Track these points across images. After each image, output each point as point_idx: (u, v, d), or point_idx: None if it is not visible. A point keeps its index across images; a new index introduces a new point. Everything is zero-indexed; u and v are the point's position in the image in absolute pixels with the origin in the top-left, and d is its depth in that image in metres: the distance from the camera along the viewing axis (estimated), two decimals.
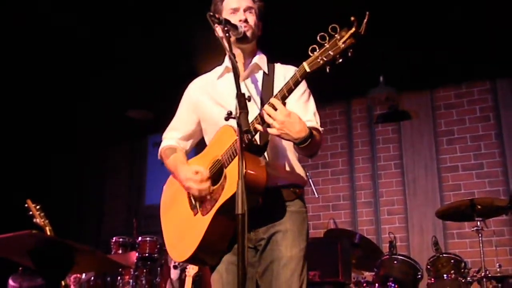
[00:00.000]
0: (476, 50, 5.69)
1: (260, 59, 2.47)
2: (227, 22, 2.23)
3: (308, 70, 1.96)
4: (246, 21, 2.36)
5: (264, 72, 2.44)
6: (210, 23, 2.15)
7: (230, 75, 2.38)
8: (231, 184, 2.14)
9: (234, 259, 2.30)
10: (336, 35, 1.88)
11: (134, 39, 5.61)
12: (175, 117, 2.67)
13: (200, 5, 2.48)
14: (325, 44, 1.90)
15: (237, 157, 2.12)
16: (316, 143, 2.23)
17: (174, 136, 2.64)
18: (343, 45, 1.87)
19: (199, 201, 2.34)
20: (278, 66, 2.46)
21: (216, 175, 2.28)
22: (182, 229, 2.42)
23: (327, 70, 1.92)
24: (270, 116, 2.04)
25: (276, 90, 2.28)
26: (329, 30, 1.88)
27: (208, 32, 2.15)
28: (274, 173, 2.30)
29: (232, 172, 2.17)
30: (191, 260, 2.37)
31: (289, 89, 2.04)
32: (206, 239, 2.24)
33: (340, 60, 1.90)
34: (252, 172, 2.05)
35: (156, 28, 5.45)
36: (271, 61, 2.49)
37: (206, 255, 2.35)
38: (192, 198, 2.40)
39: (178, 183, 2.47)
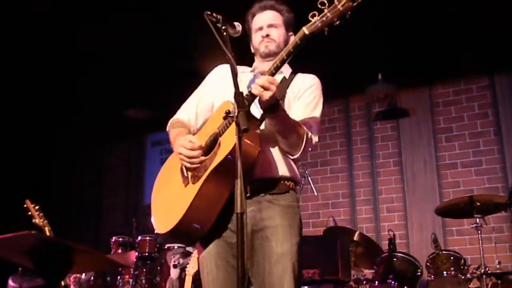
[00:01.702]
0: (475, 47, 5.69)
1: (284, 67, 2.49)
2: (224, 20, 2.24)
3: (306, 32, 2.03)
4: (267, 36, 2.49)
5: (284, 77, 2.49)
6: (208, 22, 2.16)
7: (251, 74, 2.53)
8: (223, 150, 2.16)
9: (223, 254, 2.29)
10: (335, 1, 1.96)
11: (133, 37, 5.61)
12: (193, 94, 2.69)
13: (199, 4, 2.48)
14: (325, 9, 1.98)
15: (231, 126, 2.17)
16: (290, 128, 2.26)
17: (187, 113, 2.65)
18: (341, 8, 1.95)
19: (191, 173, 2.32)
20: (298, 75, 2.55)
21: (211, 145, 2.28)
22: (170, 202, 2.40)
23: (326, 32, 2.00)
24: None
25: (289, 94, 2.42)
26: None
27: (207, 30, 2.16)
28: (265, 164, 2.31)
29: (226, 139, 2.19)
30: (176, 231, 2.29)
31: (288, 53, 2.11)
32: (194, 206, 2.21)
33: (338, 23, 1.98)
34: (245, 140, 2.07)
35: (155, 26, 5.44)
36: (294, 71, 2.57)
37: (192, 225, 2.28)
38: (184, 170, 2.37)
39: (174, 161, 2.46)
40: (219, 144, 2.22)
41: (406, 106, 6.62)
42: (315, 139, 2.41)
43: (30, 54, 5.80)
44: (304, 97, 2.44)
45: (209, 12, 2.20)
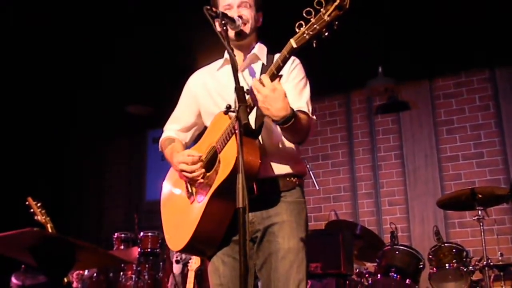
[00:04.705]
0: (475, 39, 5.68)
1: (260, 50, 2.46)
2: (224, 15, 2.23)
3: (294, 46, 1.95)
4: (240, 17, 2.34)
5: (263, 63, 2.42)
6: (207, 17, 2.14)
7: (230, 67, 2.38)
8: (224, 168, 2.15)
9: (230, 251, 2.31)
10: (321, 9, 1.87)
11: (133, 34, 5.60)
12: (176, 109, 2.69)
13: (198, 0, 2.47)
14: (311, 19, 1.90)
15: (230, 141, 2.14)
16: (301, 127, 2.18)
17: (174, 128, 2.66)
18: (328, 18, 1.86)
19: (195, 189, 2.34)
20: (275, 56, 2.40)
21: (211, 161, 2.28)
22: (179, 218, 2.42)
23: (314, 44, 1.92)
24: (256, 89, 2.03)
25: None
26: (315, 5, 1.88)
27: (207, 26, 2.15)
28: (270, 162, 2.30)
29: (225, 156, 2.17)
30: (188, 249, 2.35)
31: (278, 67, 2.02)
32: (201, 227, 2.23)
33: (326, 34, 1.89)
34: (245, 156, 2.00)
35: (155, 23, 5.44)
36: (271, 52, 2.47)
37: (202, 244, 2.32)
38: (188, 186, 2.40)
39: (177, 175, 2.47)
40: (219, 161, 2.21)
41: (407, 99, 6.61)
42: (314, 117, 2.37)
43: (30, 52, 5.78)
44: (291, 79, 2.36)
45: (208, 7, 2.19)
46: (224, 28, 2.19)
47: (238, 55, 2.43)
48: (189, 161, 2.28)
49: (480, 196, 4.38)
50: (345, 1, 1.83)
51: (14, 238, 2.42)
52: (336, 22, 1.87)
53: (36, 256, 2.55)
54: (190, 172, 2.28)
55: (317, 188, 5.38)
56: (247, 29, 2.37)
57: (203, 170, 2.28)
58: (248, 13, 2.38)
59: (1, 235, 2.35)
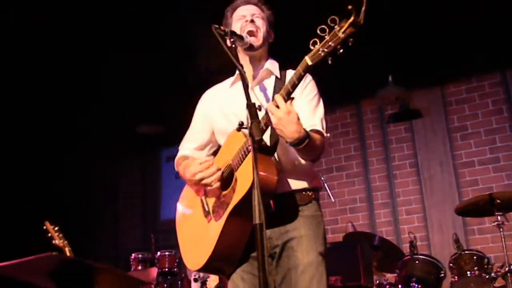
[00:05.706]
0: (485, 44, 5.65)
1: (272, 65, 2.48)
2: (232, 33, 2.25)
3: (310, 63, 1.97)
4: (252, 21, 2.40)
5: (276, 77, 2.44)
6: (216, 35, 2.17)
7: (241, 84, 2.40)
8: (242, 186, 2.15)
9: (249, 268, 2.30)
10: (335, 27, 1.89)
11: (144, 53, 5.63)
12: (190, 128, 2.71)
13: (209, 17, 2.49)
14: (325, 36, 1.91)
15: (246, 159, 2.15)
16: (314, 147, 2.19)
17: (189, 147, 2.68)
18: (342, 35, 1.88)
19: (212, 207, 2.35)
20: (289, 72, 2.44)
21: (228, 179, 2.29)
22: (196, 238, 2.42)
23: (329, 61, 1.94)
24: (270, 112, 2.05)
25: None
26: (329, 22, 1.90)
27: (217, 43, 2.17)
28: (286, 177, 2.30)
29: (242, 174, 2.18)
30: (207, 268, 2.35)
31: (293, 85, 2.04)
32: (220, 245, 2.23)
33: (341, 51, 1.91)
34: (262, 173, 2.04)
35: (165, 41, 5.47)
36: (282, 68, 2.50)
37: (221, 262, 2.32)
38: (205, 205, 2.40)
39: (191, 194, 2.48)
40: (236, 180, 2.21)
41: (419, 106, 6.57)
42: (328, 135, 2.38)
43: (31, 56, 5.73)
44: (304, 96, 2.38)
45: (217, 26, 2.21)
46: (233, 45, 2.21)
47: (249, 69, 2.46)
48: (204, 167, 2.29)
49: (498, 201, 4.32)
50: (359, 18, 1.84)
51: (33, 263, 2.43)
52: (351, 39, 1.88)
53: (56, 280, 2.56)
54: (210, 176, 2.27)
55: (333, 200, 5.35)
56: (259, 38, 2.42)
57: (220, 171, 2.28)
58: (260, 22, 2.44)
59: (20, 261, 2.36)
